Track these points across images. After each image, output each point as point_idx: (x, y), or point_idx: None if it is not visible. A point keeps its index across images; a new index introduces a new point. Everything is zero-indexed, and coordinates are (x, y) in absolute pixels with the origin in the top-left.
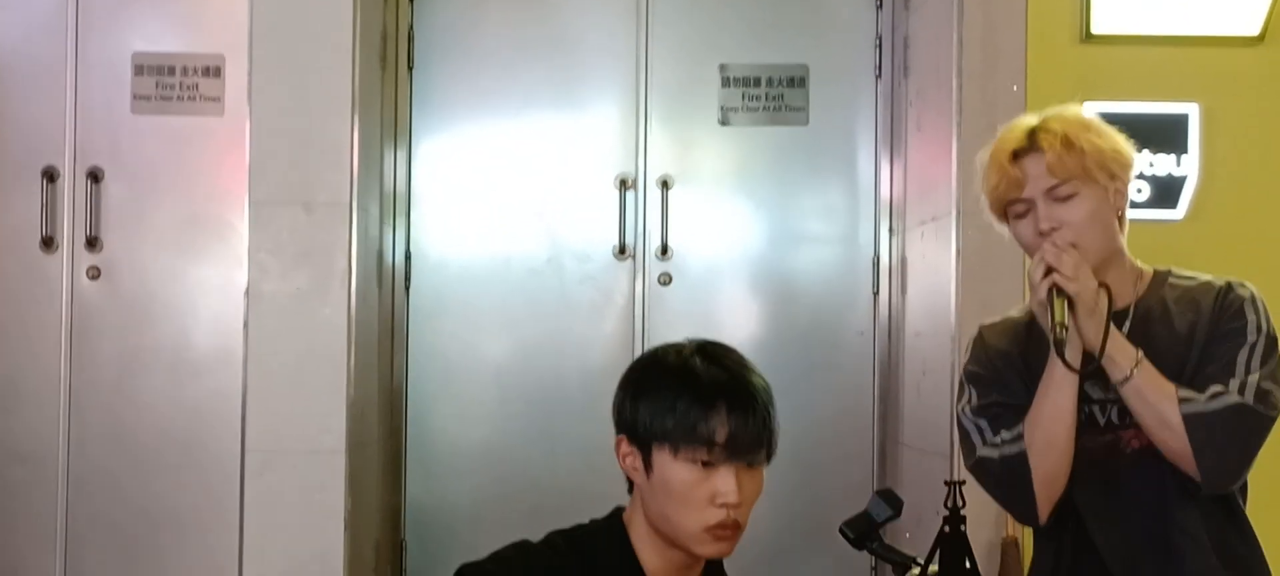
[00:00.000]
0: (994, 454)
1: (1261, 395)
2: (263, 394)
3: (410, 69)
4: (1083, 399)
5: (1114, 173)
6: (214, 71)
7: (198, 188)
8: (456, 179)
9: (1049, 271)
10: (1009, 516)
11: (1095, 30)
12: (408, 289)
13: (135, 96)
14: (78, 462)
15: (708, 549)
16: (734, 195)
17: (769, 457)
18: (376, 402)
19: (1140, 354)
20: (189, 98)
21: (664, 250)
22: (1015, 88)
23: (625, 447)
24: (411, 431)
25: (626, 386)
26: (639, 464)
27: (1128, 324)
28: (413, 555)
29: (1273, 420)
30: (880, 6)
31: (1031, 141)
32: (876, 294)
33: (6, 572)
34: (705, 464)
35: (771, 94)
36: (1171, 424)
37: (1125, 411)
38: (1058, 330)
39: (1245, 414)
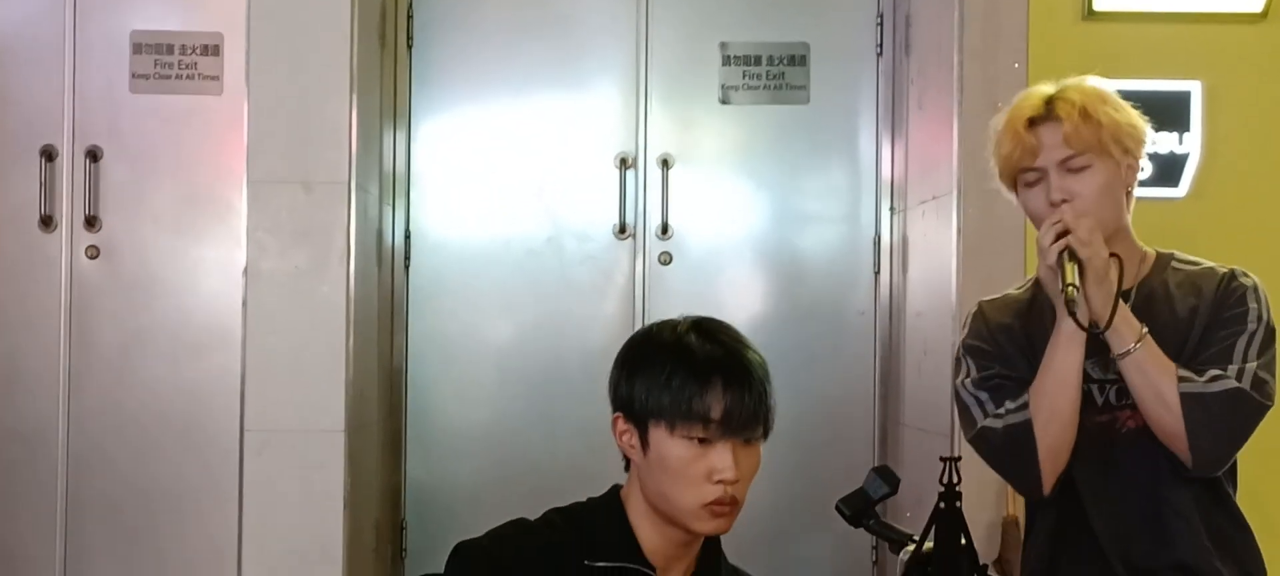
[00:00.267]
0: (997, 425)
1: (1258, 383)
2: (262, 373)
3: (409, 48)
4: (1082, 377)
5: (1128, 148)
6: (212, 50)
7: (196, 167)
8: (456, 158)
9: (1060, 236)
10: (1009, 496)
11: (1097, 7)
12: (407, 269)
13: (134, 75)
14: (77, 442)
15: (705, 526)
16: (734, 174)
17: (766, 434)
18: (376, 382)
19: (1144, 329)
20: (187, 76)
21: (664, 230)
22: (1017, 65)
23: (622, 425)
24: (411, 411)
25: (622, 363)
26: (635, 441)
27: (1130, 304)
28: (413, 535)
29: (1266, 408)
30: None
31: (1049, 110)
32: (877, 273)
33: (6, 552)
34: (701, 440)
35: (772, 72)
36: (1169, 401)
37: (1123, 392)
38: (1068, 291)
39: (1241, 399)
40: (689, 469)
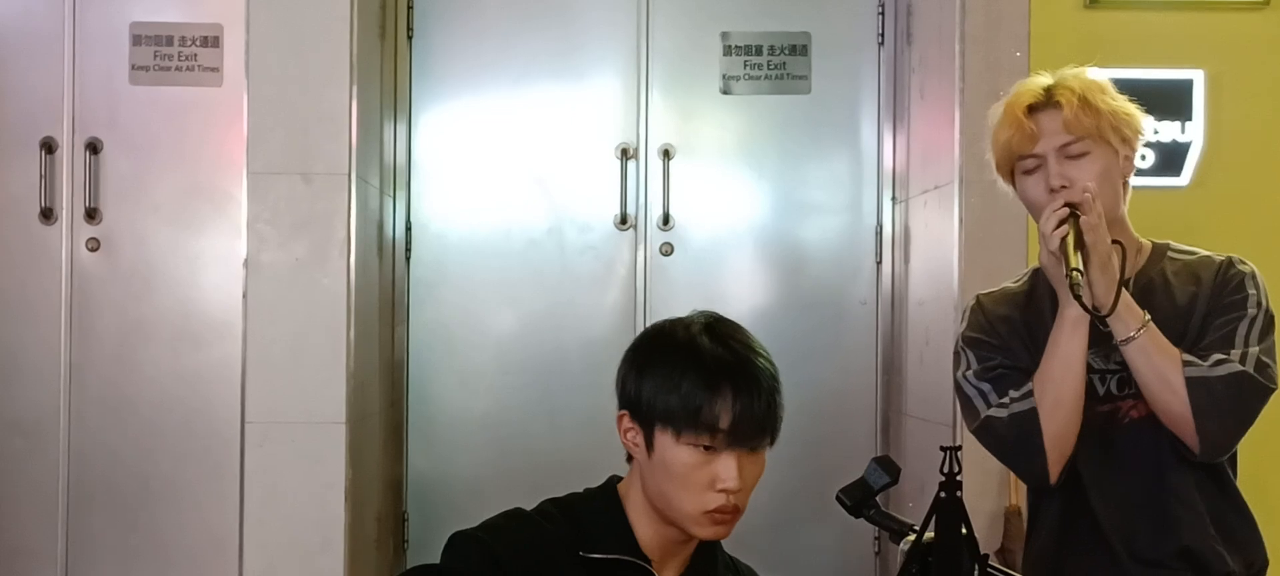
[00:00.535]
0: (1002, 414)
1: (1261, 367)
2: (262, 364)
3: (410, 38)
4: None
5: (1126, 137)
6: (212, 41)
7: (197, 158)
8: (457, 149)
9: (1062, 222)
10: (1011, 487)
11: None
12: (408, 260)
13: (134, 67)
14: (78, 434)
15: (705, 531)
16: (736, 165)
17: (772, 442)
18: (377, 373)
19: (1147, 316)
20: (187, 68)
21: (665, 220)
22: (1018, 54)
23: (627, 423)
24: (412, 402)
25: (631, 361)
26: (640, 441)
27: (1130, 296)
28: (414, 526)
29: (1270, 392)
30: None
31: (1048, 97)
32: (879, 263)
33: (8, 543)
34: (707, 448)
35: (773, 62)
36: (1174, 386)
37: (1125, 382)
38: (1073, 275)
39: (1245, 382)
40: (693, 475)
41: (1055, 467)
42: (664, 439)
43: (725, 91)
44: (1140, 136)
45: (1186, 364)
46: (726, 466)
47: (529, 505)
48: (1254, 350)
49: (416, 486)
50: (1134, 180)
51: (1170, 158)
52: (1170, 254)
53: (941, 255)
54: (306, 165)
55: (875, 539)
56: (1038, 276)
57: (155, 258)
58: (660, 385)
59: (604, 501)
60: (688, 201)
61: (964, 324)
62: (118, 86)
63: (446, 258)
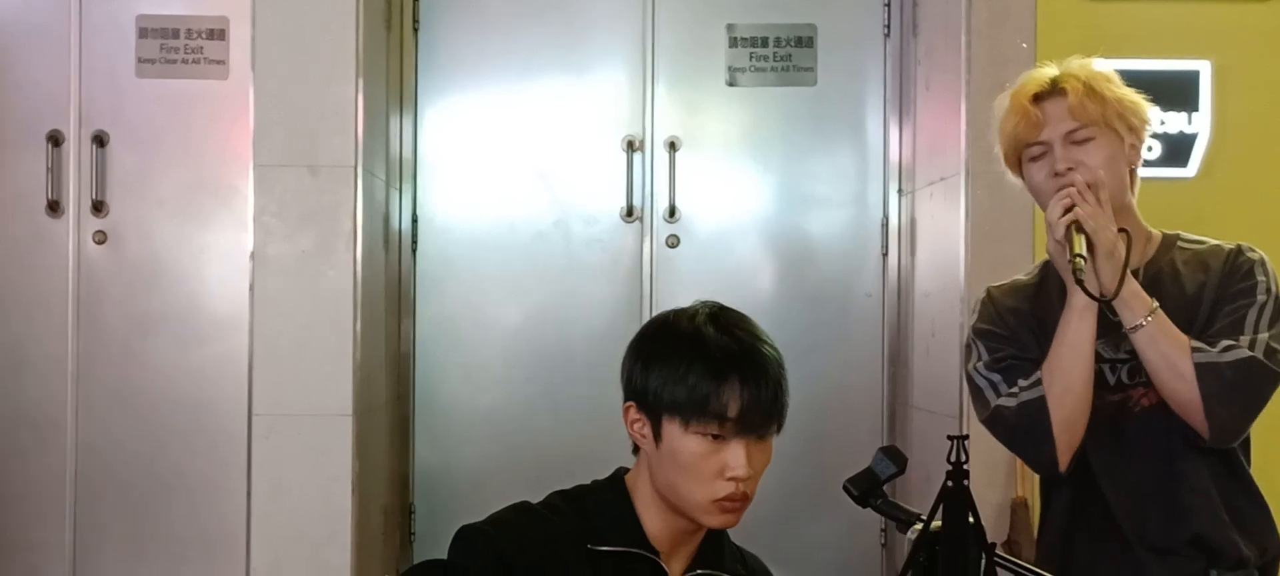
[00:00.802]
0: (1011, 403)
1: (1270, 352)
2: (269, 357)
3: (416, 31)
4: (1094, 352)
5: (1132, 125)
6: (218, 34)
7: (203, 151)
8: (463, 142)
9: (1068, 210)
10: (1018, 477)
11: None
12: (414, 252)
13: (140, 60)
14: (86, 427)
15: (715, 520)
16: (742, 157)
17: (779, 429)
18: (383, 366)
19: (1155, 303)
20: (193, 61)
21: (671, 212)
22: (1024, 45)
23: (634, 414)
24: (419, 395)
25: (637, 353)
26: (648, 431)
27: (1138, 284)
28: (421, 519)
29: None
30: None
31: (1053, 85)
32: (885, 255)
33: (17, 535)
34: (715, 437)
35: (779, 54)
36: (1183, 372)
37: (1135, 370)
38: (1077, 262)
39: (1255, 368)
40: (702, 464)
41: (1064, 455)
42: (672, 429)
43: (731, 83)
44: (1146, 125)
45: (1195, 350)
46: (735, 454)
47: (535, 497)
48: (1263, 336)
49: (423, 478)
50: (1141, 172)
51: (1177, 149)
52: (1180, 244)
53: (947, 247)
54: (312, 158)
55: (882, 530)
56: (1048, 269)
57: (162, 250)
58: (667, 376)
59: (611, 493)
60: (693, 194)
61: (974, 316)
62: (123, 79)
63: (452, 250)
